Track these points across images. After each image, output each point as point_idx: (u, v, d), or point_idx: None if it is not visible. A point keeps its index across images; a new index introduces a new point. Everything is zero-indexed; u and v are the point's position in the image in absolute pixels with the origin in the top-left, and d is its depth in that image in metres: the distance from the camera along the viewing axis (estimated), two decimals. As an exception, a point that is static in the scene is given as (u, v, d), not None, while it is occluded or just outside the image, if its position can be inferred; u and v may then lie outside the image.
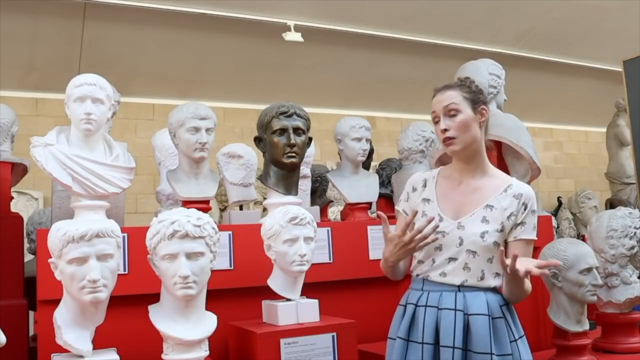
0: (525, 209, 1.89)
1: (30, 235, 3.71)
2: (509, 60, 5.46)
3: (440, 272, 1.88)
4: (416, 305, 1.90)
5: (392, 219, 2.02)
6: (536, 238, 1.91)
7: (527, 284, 1.85)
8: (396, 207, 2.11)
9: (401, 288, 2.89)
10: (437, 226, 1.85)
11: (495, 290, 1.89)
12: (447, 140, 1.89)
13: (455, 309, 1.82)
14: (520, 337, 1.86)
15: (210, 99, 5.66)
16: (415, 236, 1.82)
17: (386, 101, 7.00)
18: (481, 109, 1.93)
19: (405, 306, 1.94)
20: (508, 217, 1.87)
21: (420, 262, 1.95)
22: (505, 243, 1.90)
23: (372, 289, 2.97)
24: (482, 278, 1.85)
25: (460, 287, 1.86)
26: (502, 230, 1.87)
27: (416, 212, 1.89)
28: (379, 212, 1.94)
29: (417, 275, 1.96)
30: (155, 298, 2.12)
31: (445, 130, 1.89)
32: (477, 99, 1.94)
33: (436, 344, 1.82)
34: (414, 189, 2.04)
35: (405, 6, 5.41)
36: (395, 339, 1.92)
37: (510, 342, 1.82)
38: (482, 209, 1.88)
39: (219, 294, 2.41)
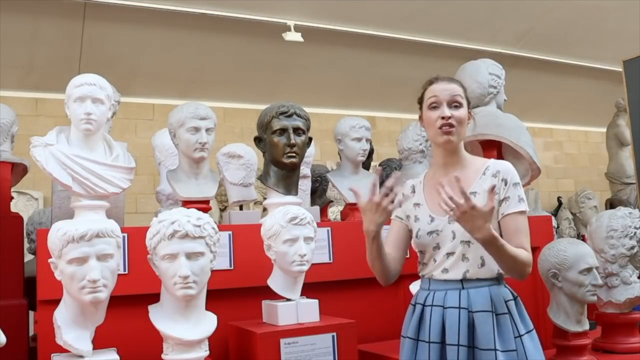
0: (505, 184, 1.89)
1: (30, 235, 3.71)
2: (509, 60, 5.46)
3: (442, 269, 1.90)
4: (423, 305, 1.92)
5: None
6: (526, 209, 1.89)
7: (513, 254, 1.77)
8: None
9: (401, 289, 2.90)
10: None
11: (500, 282, 1.90)
12: (448, 128, 1.89)
13: (459, 307, 1.83)
14: (528, 332, 1.85)
15: (210, 99, 5.66)
16: (385, 193, 1.80)
17: (386, 101, 7.00)
18: (470, 111, 1.99)
19: (414, 305, 1.97)
20: None
21: (425, 264, 1.97)
22: (498, 224, 1.89)
23: (372, 289, 2.95)
24: (482, 265, 1.86)
25: (464, 283, 1.86)
26: None
27: (397, 177, 1.84)
28: (352, 187, 1.92)
29: (423, 275, 1.98)
30: (155, 298, 2.12)
31: (449, 117, 1.89)
32: (469, 100, 2.00)
33: (443, 342, 1.84)
34: (405, 197, 2.07)
35: (405, 6, 5.41)
36: (406, 338, 1.95)
37: (515, 337, 1.81)
38: None
39: (219, 294, 2.41)
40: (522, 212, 1.89)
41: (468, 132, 2.22)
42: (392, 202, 1.82)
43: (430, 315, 1.88)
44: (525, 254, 1.83)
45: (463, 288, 1.86)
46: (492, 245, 1.74)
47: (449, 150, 1.96)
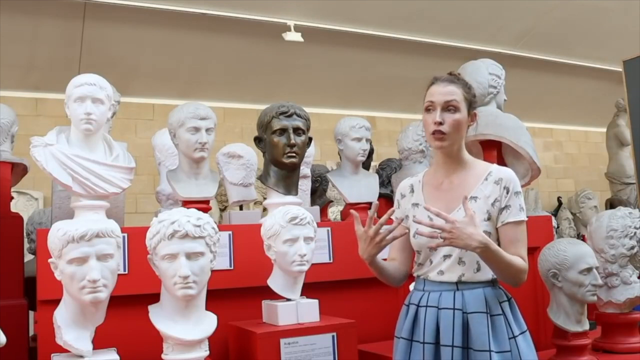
0: (507, 193, 1.88)
1: (30, 235, 3.71)
2: (509, 60, 5.45)
3: (438, 270, 1.90)
4: (418, 306, 1.92)
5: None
6: (525, 218, 1.90)
7: (508, 260, 1.79)
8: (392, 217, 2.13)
9: (401, 289, 2.89)
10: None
11: (494, 285, 1.90)
12: (438, 135, 1.87)
13: (454, 308, 1.84)
14: (522, 333, 1.86)
15: (210, 99, 5.65)
16: (379, 229, 1.84)
17: (386, 101, 7.00)
18: (473, 113, 1.96)
19: (408, 306, 1.97)
20: (492, 204, 1.88)
21: (420, 264, 1.97)
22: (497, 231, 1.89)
23: (372, 289, 2.96)
24: (478, 270, 1.86)
25: (459, 285, 1.87)
26: (489, 219, 1.87)
27: (392, 211, 1.91)
28: (352, 211, 1.96)
29: (419, 276, 1.98)
30: (155, 298, 2.12)
31: (440, 123, 1.86)
32: (473, 102, 1.96)
33: (437, 343, 1.84)
34: (403, 196, 2.07)
35: (405, 6, 5.41)
36: (400, 338, 1.94)
37: (509, 338, 1.82)
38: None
39: (219, 294, 2.41)
40: (522, 222, 1.89)
41: (469, 132, 2.20)
42: (386, 237, 1.85)
43: (425, 316, 1.88)
44: (520, 261, 1.84)
45: (458, 289, 1.87)
46: (488, 251, 1.75)
47: (446, 153, 1.95)
